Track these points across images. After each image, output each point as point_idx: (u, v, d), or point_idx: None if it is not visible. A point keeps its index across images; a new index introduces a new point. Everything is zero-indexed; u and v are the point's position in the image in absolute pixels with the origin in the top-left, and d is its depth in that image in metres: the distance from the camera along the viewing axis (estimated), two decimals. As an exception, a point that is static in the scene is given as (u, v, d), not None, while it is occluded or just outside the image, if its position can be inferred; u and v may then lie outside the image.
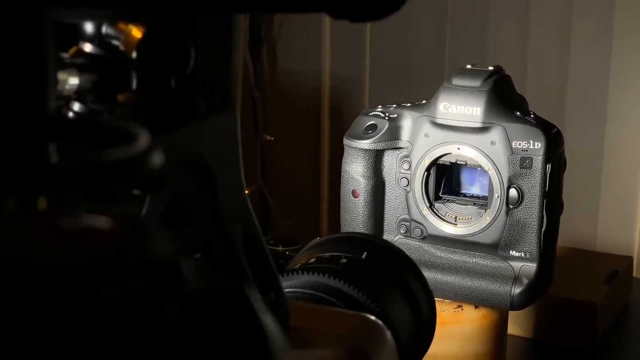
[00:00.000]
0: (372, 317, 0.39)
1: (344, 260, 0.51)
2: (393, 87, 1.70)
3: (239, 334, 0.19)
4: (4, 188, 0.16)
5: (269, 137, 1.78)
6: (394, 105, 0.79)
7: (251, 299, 0.19)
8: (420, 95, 0.80)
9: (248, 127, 1.72)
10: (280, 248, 1.18)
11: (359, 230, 0.79)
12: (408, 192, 0.78)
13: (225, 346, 0.18)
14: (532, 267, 0.75)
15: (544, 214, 0.74)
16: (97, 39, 0.34)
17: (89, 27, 0.34)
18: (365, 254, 0.52)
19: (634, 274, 1.10)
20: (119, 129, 0.20)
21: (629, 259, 1.07)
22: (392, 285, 0.51)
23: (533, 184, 0.73)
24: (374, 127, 0.78)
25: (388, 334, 0.38)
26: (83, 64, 0.33)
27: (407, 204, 0.78)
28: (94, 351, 0.15)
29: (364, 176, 0.79)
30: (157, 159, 0.22)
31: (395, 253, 0.54)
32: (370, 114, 0.79)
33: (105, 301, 0.15)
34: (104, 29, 0.34)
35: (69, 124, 0.20)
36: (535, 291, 0.76)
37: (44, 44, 0.20)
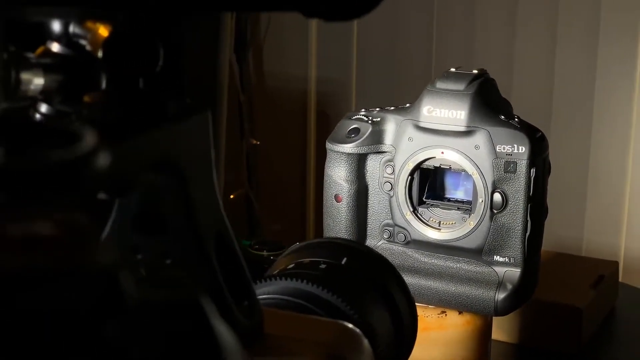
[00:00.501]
0: (349, 325, 0.38)
1: (323, 266, 0.50)
2: (380, 91, 1.69)
3: (184, 348, 0.18)
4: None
5: (255, 141, 1.77)
6: (377, 109, 0.78)
7: (204, 309, 0.18)
8: (407, 98, 0.80)
9: (234, 130, 1.71)
10: (265, 253, 1.17)
11: (341, 235, 0.78)
12: (391, 197, 0.77)
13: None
14: (516, 272, 0.74)
15: (528, 218, 0.73)
16: (64, 38, 0.33)
17: (55, 26, 0.33)
18: (345, 259, 0.51)
19: (620, 279, 1.09)
20: (71, 130, 0.19)
21: (615, 263, 1.07)
22: (372, 291, 0.50)
23: (517, 189, 0.72)
24: (356, 131, 0.77)
25: (365, 341, 0.37)
26: (49, 64, 0.32)
27: (391, 209, 0.77)
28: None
29: (346, 180, 0.78)
30: (120, 161, 0.21)
31: (375, 258, 0.53)
32: (353, 117, 0.78)
33: (37, 311, 0.14)
34: (71, 28, 0.33)
35: (17, 125, 0.20)
36: (520, 297, 0.75)
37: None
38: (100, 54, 0.31)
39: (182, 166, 0.33)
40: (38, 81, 0.31)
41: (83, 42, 0.32)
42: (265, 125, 1.80)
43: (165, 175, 0.33)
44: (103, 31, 0.32)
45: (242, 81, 1.74)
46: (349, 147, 0.77)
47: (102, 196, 0.28)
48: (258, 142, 1.77)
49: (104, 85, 0.32)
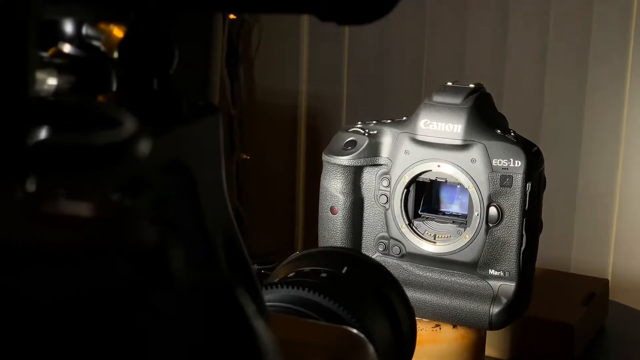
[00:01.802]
0: (354, 330, 0.38)
1: (324, 275, 0.50)
2: (370, 107, 1.70)
3: (231, 335, 0.18)
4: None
5: (245, 156, 1.77)
6: (374, 122, 0.78)
7: (241, 300, 0.18)
8: (397, 114, 0.80)
9: (224, 144, 1.71)
10: (255, 266, 1.17)
11: (337, 247, 0.78)
12: (387, 210, 0.77)
13: (214, 346, 0.17)
14: (510, 286, 0.75)
15: (524, 232, 0.73)
16: (77, 39, 0.33)
17: (68, 26, 0.33)
18: (345, 268, 0.51)
19: (610, 297, 1.10)
20: (106, 115, 0.19)
21: (605, 281, 1.07)
22: (372, 299, 0.50)
23: (513, 203, 0.73)
24: (353, 144, 0.77)
25: (370, 347, 0.37)
26: (62, 64, 0.32)
27: (386, 222, 0.78)
28: (77, 337, 0.14)
29: (342, 193, 0.78)
30: (138, 159, 0.21)
31: (375, 268, 0.53)
32: (350, 130, 0.78)
33: (91, 287, 0.14)
34: (85, 29, 0.33)
35: (52, 108, 0.20)
36: (514, 311, 0.75)
37: (27, 29, 0.20)
38: (114, 54, 0.31)
39: (192, 168, 0.33)
40: (51, 81, 0.31)
41: (97, 43, 0.33)
42: (256, 139, 1.80)
43: (176, 176, 0.33)
44: (118, 32, 0.32)
45: (233, 95, 1.75)
46: (345, 160, 0.77)
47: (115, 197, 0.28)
48: (248, 157, 1.77)
49: (118, 86, 0.32)
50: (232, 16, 1.65)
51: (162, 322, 0.15)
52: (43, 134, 0.18)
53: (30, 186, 0.16)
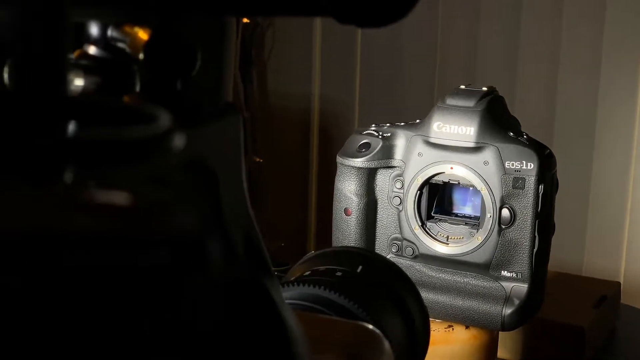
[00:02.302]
0: (370, 326, 0.39)
1: (339, 274, 0.51)
2: (382, 110, 1.71)
3: (265, 324, 0.19)
4: (30, 162, 0.16)
5: (257, 159, 1.78)
6: (388, 124, 0.79)
7: (272, 292, 0.19)
8: (409, 117, 0.81)
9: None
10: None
11: (350, 248, 0.79)
12: (400, 211, 0.78)
13: (248, 337, 0.18)
14: (523, 287, 0.75)
15: (536, 234, 0.74)
16: (102, 41, 0.34)
17: (94, 29, 0.34)
18: (360, 267, 0.52)
19: (621, 300, 1.10)
20: (140, 111, 0.20)
21: (617, 284, 1.08)
22: (386, 299, 0.51)
23: (525, 205, 0.73)
24: (367, 146, 0.78)
25: (386, 343, 0.38)
26: (88, 66, 0.33)
27: (399, 223, 0.78)
28: (120, 318, 0.15)
29: (356, 194, 0.79)
30: (171, 153, 0.22)
31: (390, 267, 0.53)
32: (364, 132, 0.79)
33: (132, 271, 0.15)
34: (110, 32, 0.34)
35: (89, 105, 0.21)
36: (526, 312, 0.76)
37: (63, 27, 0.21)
38: (139, 56, 0.32)
39: (214, 168, 0.34)
40: (78, 82, 0.32)
41: (121, 44, 0.33)
42: (268, 142, 1.81)
43: (197, 176, 0.34)
44: (142, 34, 0.33)
45: (245, 98, 1.75)
46: (359, 162, 0.78)
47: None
48: (261, 160, 1.78)
49: (141, 86, 0.33)
50: (245, 20, 1.66)
51: (200, 305, 0.16)
52: (82, 129, 0.18)
53: (75, 178, 0.17)
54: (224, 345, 0.17)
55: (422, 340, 0.52)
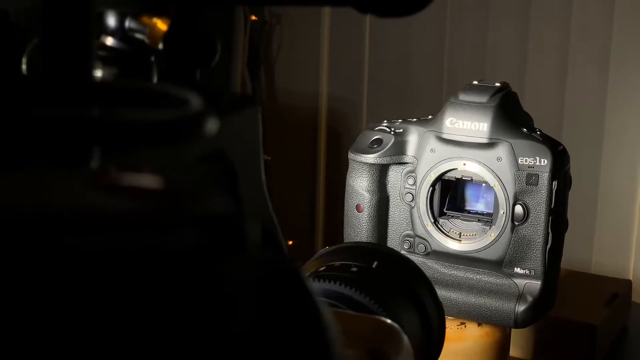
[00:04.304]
0: (388, 321, 0.38)
1: (354, 269, 0.50)
2: (391, 108, 1.70)
3: (302, 314, 0.18)
4: (66, 145, 0.16)
5: (266, 157, 1.78)
6: (400, 120, 0.78)
7: (305, 280, 0.19)
8: (418, 115, 0.80)
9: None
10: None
11: (362, 245, 0.78)
12: (412, 208, 0.78)
13: (287, 321, 0.18)
14: (536, 284, 0.75)
15: (549, 231, 0.73)
16: (119, 32, 0.33)
17: (111, 20, 0.34)
18: (375, 263, 0.51)
19: (632, 298, 1.10)
20: (172, 95, 0.20)
21: (628, 282, 1.07)
22: (402, 294, 0.51)
23: (539, 201, 0.73)
24: (379, 142, 0.78)
25: (404, 337, 0.38)
26: (107, 57, 0.33)
27: (412, 220, 0.78)
28: (160, 296, 0.15)
29: (368, 191, 0.78)
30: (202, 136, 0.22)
31: (405, 263, 0.53)
32: (376, 128, 0.79)
33: (170, 252, 0.15)
34: (127, 22, 0.33)
35: (121, 89, 0.20)
36: (539, 309, 0.75)
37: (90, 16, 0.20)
38: (158, 46, 0.32)
39: (232, 159, 0.34)
40: (97, 73, 0.32)
41: (139, 35, 0.33)
42: (277, 141, 1.80)
43: (216, 168, 0.34)
44: (161, 25, 0.32)
45: (253, 97, 1.75)
46: (371, 158, 0.78)
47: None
48: (269, 158, 1.78)
49: (159, 77, 0.33)
50: (253, 17, 1.66)
51: (241, 288, 0.16)
52: (116, 112, 0.18)
53: (110, 160, 0.16)
54: (264, 328, 0.17)
55: (437, 336, 0.52)
